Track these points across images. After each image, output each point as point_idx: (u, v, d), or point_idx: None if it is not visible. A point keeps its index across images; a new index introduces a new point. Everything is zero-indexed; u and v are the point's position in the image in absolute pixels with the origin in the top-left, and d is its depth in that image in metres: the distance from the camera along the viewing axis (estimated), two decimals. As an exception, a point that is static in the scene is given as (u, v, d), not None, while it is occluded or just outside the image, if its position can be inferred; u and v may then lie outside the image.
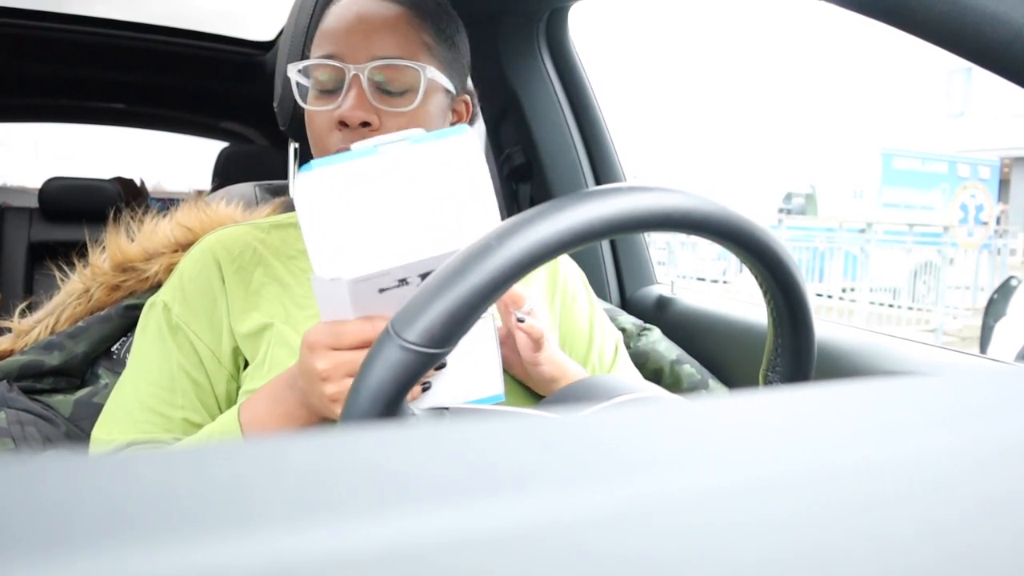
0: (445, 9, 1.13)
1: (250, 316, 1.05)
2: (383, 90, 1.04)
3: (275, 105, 1.34)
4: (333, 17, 1.07)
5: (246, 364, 1.06)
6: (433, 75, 1.06)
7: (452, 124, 1.13)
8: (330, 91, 1.04)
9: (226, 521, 0.19)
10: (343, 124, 1.02)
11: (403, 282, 0.78)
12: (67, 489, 0.20)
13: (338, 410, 0.83)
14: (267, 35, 2.74)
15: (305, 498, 0.20)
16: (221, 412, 1.04)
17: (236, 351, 1.06)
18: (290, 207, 1.37)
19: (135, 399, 1.02)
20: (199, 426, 1.03)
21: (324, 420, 0.91)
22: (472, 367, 0.89)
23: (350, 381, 0.81)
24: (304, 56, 1.13)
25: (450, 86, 1.09)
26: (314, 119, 1.05)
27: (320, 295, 0.80)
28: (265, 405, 0.92)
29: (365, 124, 1.02)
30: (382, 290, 0.78)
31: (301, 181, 0.76)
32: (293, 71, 1.06)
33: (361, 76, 1.03)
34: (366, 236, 0.76)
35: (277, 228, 1.15)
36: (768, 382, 0.83)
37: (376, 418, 0.63)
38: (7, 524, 0.18)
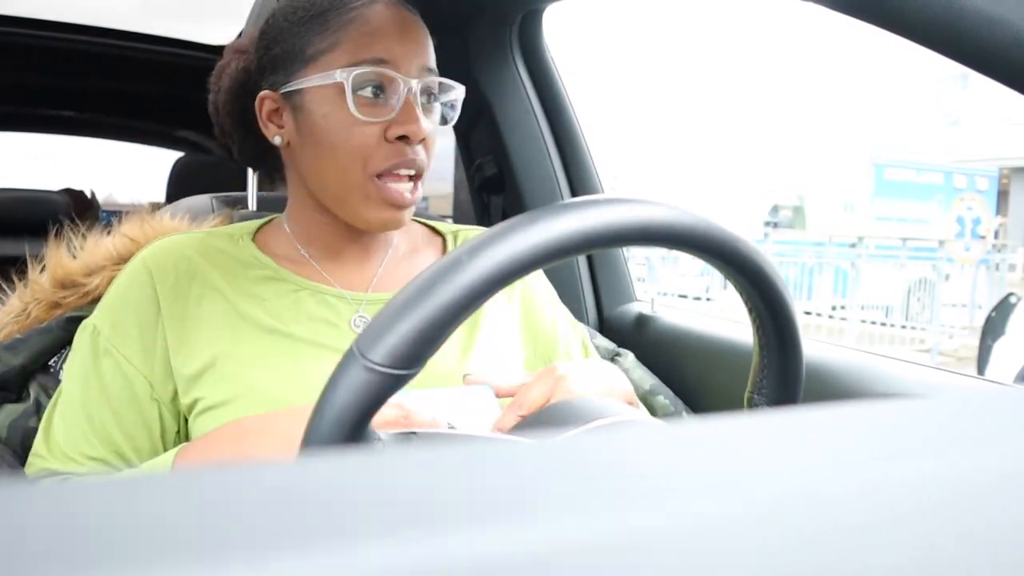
0: None
1: (194, 350, 1.03)
2: (426, 105, 1.06)
3: (221, 128, 1.22)
4: (372, 20, 1.04)
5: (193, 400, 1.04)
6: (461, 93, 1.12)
7: None
8: (374, 101, 1.02)
9: (189, 550, 0.18)
10: (401, 139, 1.02)
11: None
12: (10, 517, 0.20)
13: None
14: (223, 39, 2.74)
15: (267, 527, 0.20)
16: (148, 439, 1.03)
17: (175, 388, 1.04)
18: (243, 219, 1.35)
19: (60, 430, 1.03)
20: (119, 457, 1.02)
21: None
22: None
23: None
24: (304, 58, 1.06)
25: None
26: (355, 130, 1.02)
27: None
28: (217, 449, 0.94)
29: (421, 141, 1.04)
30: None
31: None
32: (344, 75, 1.01)
33: (415, 89, 1.03)
34: None
35: (214, 237, 1.13)
36: (753, 405, 0.83)
37: (340, 443, 0.62)
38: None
